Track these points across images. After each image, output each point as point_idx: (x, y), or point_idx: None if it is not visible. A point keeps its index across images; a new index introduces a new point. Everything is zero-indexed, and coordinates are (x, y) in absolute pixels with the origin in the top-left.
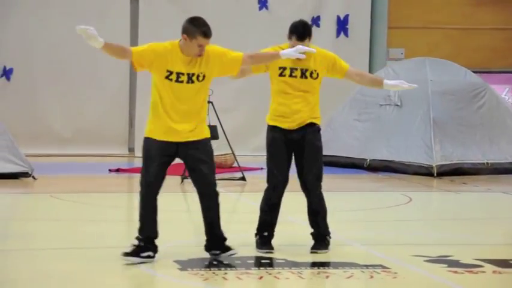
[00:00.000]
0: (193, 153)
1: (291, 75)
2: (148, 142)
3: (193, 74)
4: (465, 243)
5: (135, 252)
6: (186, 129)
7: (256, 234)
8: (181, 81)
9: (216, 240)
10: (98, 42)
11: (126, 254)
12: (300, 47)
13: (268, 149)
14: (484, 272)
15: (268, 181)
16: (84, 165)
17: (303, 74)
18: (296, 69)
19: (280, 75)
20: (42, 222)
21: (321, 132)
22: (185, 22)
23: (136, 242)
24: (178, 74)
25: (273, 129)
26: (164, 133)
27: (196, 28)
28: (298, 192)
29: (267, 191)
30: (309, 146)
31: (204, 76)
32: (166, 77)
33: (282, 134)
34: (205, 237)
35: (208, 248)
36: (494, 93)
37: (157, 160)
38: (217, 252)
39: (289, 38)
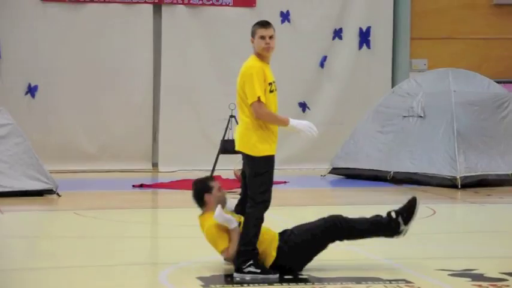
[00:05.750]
0: None
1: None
2: (269, 160)
3: (274, 81)
4: (490, 256)
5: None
6: None
7: None
8: (273, 91)
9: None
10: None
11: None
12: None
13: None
14: (508, 286)
15: None
16: (108, 181)
17: None
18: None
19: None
20: (66, 239)
21: (344, 143)
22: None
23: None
24: (271, 83)
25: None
26: (274, 146)
27: (254, 24)
28: (321, 205)
29: None
30: None
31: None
32: (270, 91)
33: None
34: None
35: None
36: None
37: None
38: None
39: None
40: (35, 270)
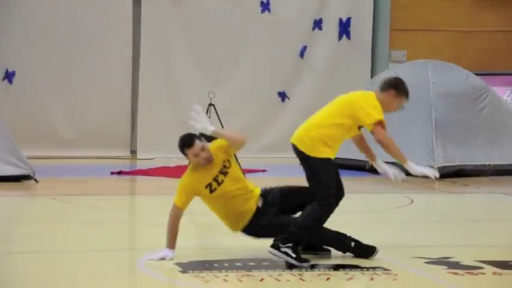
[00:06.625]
0: None
1: None
2: (334, 164)
3: None
4: (466, 245)
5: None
6: None
7: None
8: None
9: None
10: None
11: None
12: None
13: None
14: (484, 273)
15: None
16: (86, 167)
17: None
18: None
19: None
20: (43, 224)
21: None
22: (395, 79)
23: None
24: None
25: None
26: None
27: (404, 88)
28: None
29: None
30: None
31: None
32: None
33: None
34: None
35: None
36: (496, 95)
37: None
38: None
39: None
40: (12, 254)
